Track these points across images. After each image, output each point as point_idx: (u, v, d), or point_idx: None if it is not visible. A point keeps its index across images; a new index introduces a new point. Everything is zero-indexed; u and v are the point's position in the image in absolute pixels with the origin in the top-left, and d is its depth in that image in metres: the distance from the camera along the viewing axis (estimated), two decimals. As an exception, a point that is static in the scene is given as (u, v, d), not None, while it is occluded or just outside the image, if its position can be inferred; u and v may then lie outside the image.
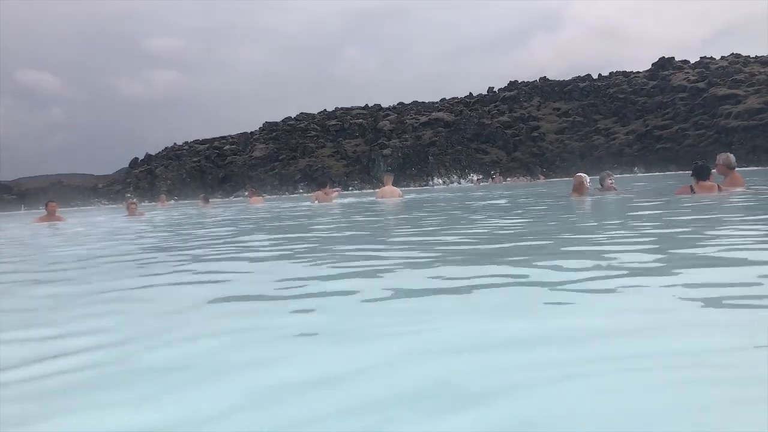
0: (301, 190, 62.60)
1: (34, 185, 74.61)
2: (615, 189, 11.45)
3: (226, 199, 52.57)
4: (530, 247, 4.30)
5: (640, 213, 7.02)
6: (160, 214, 17.29)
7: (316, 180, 64.15)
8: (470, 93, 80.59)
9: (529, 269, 3.16)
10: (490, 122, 68.93)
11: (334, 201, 16.04)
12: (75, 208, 55.12)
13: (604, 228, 5.41)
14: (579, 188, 10.87)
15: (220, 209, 18.33)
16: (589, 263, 3.28)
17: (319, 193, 15.88)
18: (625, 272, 2.95)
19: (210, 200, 24.20)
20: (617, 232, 4.96)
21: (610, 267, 3.12)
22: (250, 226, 9.09)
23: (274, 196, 54.87)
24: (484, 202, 12.33)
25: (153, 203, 42.52)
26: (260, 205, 19.97)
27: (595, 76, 75.66)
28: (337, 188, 25.65)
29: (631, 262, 3.30)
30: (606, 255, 3.52)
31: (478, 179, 57.32)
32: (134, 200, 15.90)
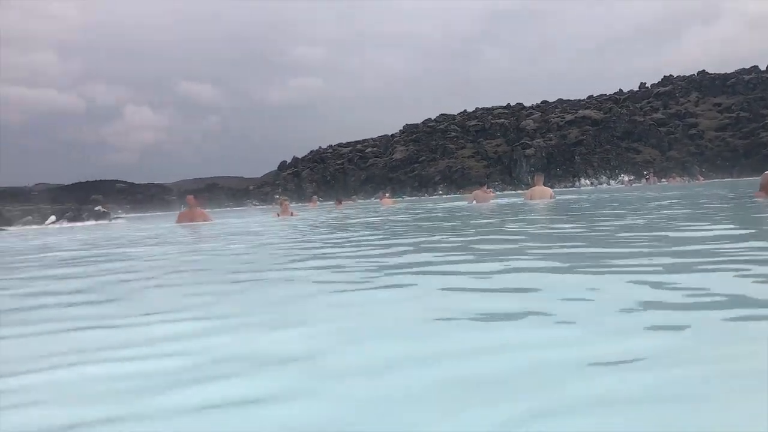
0: (440, 192, 62.17)
1: (193, 187, 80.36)
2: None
3: (367, 201, 53.18)
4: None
5: None
6: (315, 213, 17.36)
7: (455, 182, 64.28)
8: (620, 89, 76.21)
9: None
10: (642, 120, 64.58)
11: (491, 201, 15.56)
12: (228, 209, 58.45)
13: None
14: (769, 187, 9.24)
15: (359, 209, 18.17)
16: None
17: (478, 192, 15.65)
18: None
19: (343, 202, 24.49)
20: None
21: None
22: (449, 223, 8.52)
23: (414, 198, 54.93)
24: (656, 203, 10.94)
25: (304, 204, 43.84)
26: (390, 206, 20.04)
27: (762, 68, 68.52)
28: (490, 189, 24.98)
29: None
30: None
31: (629, 180, 53.77)
32: (287, 199, 16.04)
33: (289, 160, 79.05)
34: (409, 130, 75.57)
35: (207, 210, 14.81)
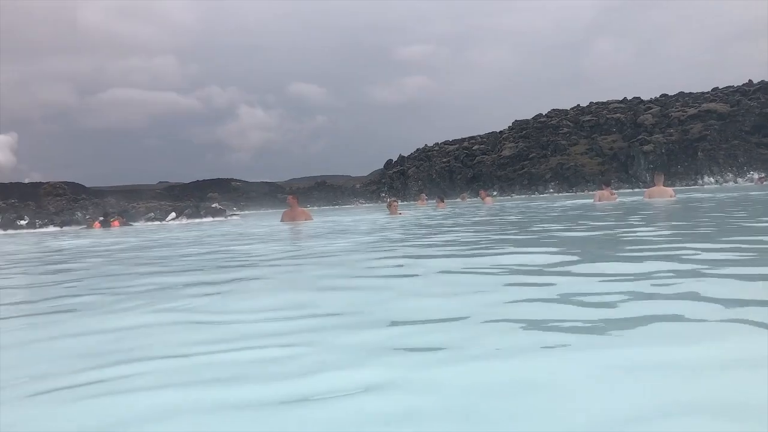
0: (551, 190, 60.07)
1: (302, 185, 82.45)
2: None
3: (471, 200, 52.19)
4: None
5: None
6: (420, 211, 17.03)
7: (568, 180, 61.75)
8: (749, 80, 70.45)
9: None
10: (776, 112, 59.30)
11: (616, 200, 15.36)
12: (337, 207, 59.40)
13: None
14: None
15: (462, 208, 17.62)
16: None
17: (603, 192, 15.34)
18: None
19: (445, 200, 23.93)
20: None
21: None
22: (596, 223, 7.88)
23: (523, 196, 53.31)
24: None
25: (411, 202, 43.66)
26: (491, 204, 19.87)
27: None
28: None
29: None
30: None
31: (759, 178, 49.44)
32: (396, 200, 16.05)
33: (395, 159, 79.28)
34: (519, 126, 73.62)
35: (315, 208, 14.91)
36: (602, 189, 15.66)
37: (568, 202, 19.05)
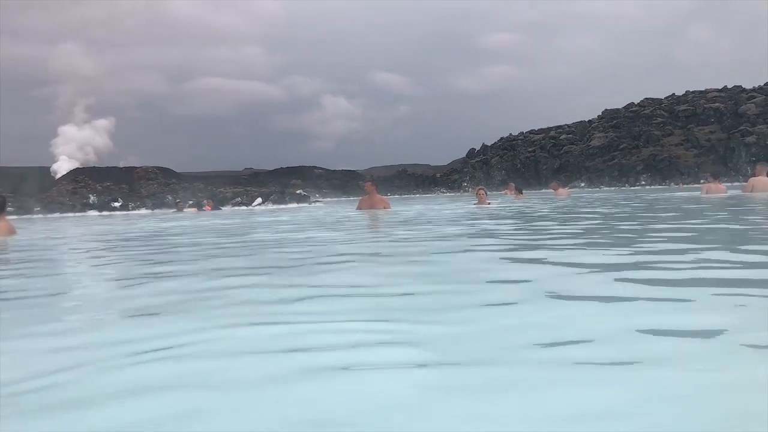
0: (642, 182, 57.38)
1: (383, 174, 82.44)
2: None
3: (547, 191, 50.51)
4: None
5: None
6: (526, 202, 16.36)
7: (660, 171, 58.62)
8: None
9: None
10: None
11: (726, 193, 14.55)
12: (417, 196, 59.01)
13: None
14: None
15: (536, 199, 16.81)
16: None
17: (710, 185, 14.89)
18: None
19: (524, 192, 22.95)
20: None
21: None
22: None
23: (612, 188, 51.09)
24: None
25: (497, 192, 42.66)
26: (565, 197, 19.52)
27: None
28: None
29: None
30: None
31: None
32: (483, 188, 15.36)
33: (477, 148, 78.00)
34: (609, 115, 70.71)
35: (395, 196, 14.46)
36: (710, 182, 15.43)
37: (677, 194, 18.53)
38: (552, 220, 7.75)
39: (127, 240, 7.64)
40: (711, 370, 1.40)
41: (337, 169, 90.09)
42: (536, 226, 6.90)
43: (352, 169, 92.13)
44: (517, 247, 4.53)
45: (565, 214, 9.16)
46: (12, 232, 8.40)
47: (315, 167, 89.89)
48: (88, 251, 6.21)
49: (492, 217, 9.07)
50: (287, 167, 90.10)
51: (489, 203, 14.41)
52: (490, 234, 5.87)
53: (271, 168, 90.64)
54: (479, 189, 15.11)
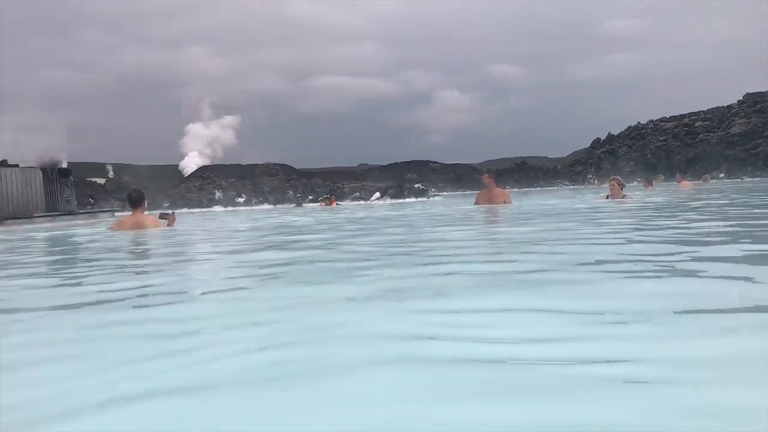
0: (793, 173, 51.74)
1: (499, 167, 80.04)
2: None
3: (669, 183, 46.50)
4: None
5: None
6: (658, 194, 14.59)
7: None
8: None
9: None
10: None
11: None
12: (538, 189, 56.64)
13: None
14: None
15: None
16: None
17: None
18: None
19: (654, 183, 21.23)
20: None
21: None
22: None
23: (757, 179, 46.34)
24: None
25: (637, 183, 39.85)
26: (689, 189, 18.67)
27: None
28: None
29: None
30: None
31: None
32: (617, 178, 13.61)
33: (603, 138, 73.90)
34: (752, 99, 64.43)
35: (514, 190, 13.20)
36: None
37: None
38: None
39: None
40: None
41: (451, 162, 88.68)
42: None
43: (467, 162, 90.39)
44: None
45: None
46: (156, 224, 8.92)
47: (429, 161, 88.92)
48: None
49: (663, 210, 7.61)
50: (401, 162, 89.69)
51: (624, 196, 12.58)
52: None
53: (385, 163, 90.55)
54: (612, 180, 13.27)
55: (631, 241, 4.40)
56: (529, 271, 3.07)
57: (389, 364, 1.50)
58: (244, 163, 63.17)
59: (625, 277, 2.71)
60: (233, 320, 2.19)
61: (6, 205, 19.45)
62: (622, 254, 3.67)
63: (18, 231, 13.28)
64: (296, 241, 6.32)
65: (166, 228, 9.07)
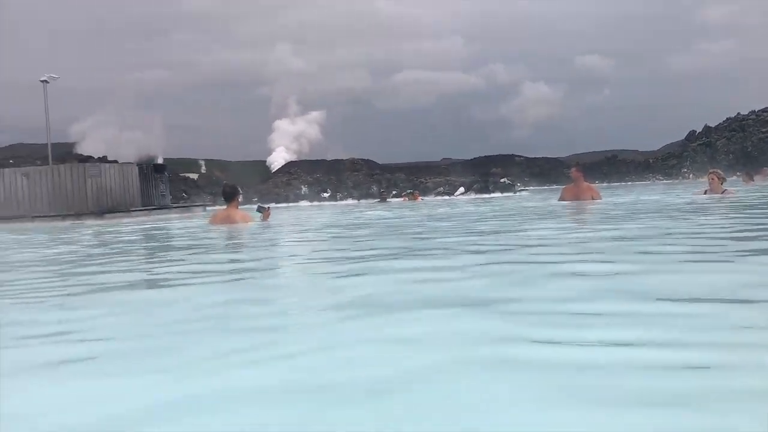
0: None
1: (589, 161, 77.53)
2: None
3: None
4: None
5: None
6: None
7: None
8: None
9: None
10: None
11: None
12: (629, 183, 54.53)
13: None
14: None
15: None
16: None
17: None
18: None
19: (756, 178, 19.15)
20: None
21: None
22: None
23: None
24: None
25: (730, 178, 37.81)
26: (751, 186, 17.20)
27: None
28: None
29: None
30: None
31: None
32: (716, 171, 12.84)
33: (699, 130, 70.28)
34: None
35: (603, 185, 12.59)
36: None
37: None
38: None
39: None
40: None
41: (536, 156, 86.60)
42: None
43: (553, 156, 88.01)
44: None
45: None
46: (245, 219, 8.98)
47: (514, 155, 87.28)
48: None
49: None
50: (485, 156, 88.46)
51: (725, 191, 11.78)
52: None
53: (468, 157, 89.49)
54: (712, 173, 12.37)
55: (741, 240, 4.16)
56: (634, 273, 2.96)
57: (487, 368, 1.49)
58: (329, 159, 64.22)
59: (743, 286, 2.56)
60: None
61: (106, 200, 20.50)
62: (732, 253, 3.47)
63: (123, 224, 13.97)
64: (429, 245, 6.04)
65: (260, 222, 9.29)
